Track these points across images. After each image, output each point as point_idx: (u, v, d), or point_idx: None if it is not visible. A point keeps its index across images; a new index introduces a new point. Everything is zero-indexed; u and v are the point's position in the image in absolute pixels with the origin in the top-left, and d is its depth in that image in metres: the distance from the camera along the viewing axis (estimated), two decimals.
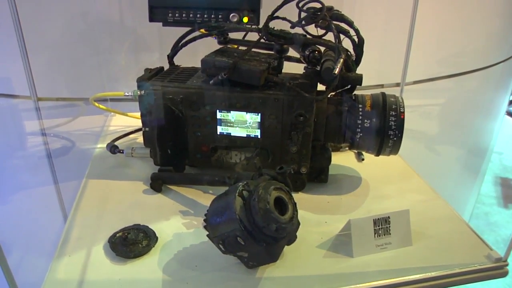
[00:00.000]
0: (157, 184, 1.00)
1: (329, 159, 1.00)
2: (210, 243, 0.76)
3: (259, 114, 0.95)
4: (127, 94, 1.04)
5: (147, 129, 1.02)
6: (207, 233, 0.75)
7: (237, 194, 0.72)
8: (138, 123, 1.06)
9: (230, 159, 1.02)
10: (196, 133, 1.00)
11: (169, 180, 1.02)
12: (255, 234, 0.71)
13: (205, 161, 1.02)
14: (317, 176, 1.02)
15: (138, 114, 1.02)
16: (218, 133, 0.99)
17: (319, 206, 0.96)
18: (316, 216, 0.92)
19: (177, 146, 1.01)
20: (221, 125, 0.98)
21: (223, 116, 0.97)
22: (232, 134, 0.99)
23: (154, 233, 0.85)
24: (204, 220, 0.75)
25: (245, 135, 0.98)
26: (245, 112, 0.96)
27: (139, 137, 1.22)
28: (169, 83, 0.98)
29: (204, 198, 0.98)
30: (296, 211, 0.76)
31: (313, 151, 0.98)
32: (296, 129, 0.95)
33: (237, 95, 0.95)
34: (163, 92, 0.97)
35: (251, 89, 0.94)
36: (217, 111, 0.97)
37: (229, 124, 0.98)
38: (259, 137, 0.97)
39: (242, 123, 0.97)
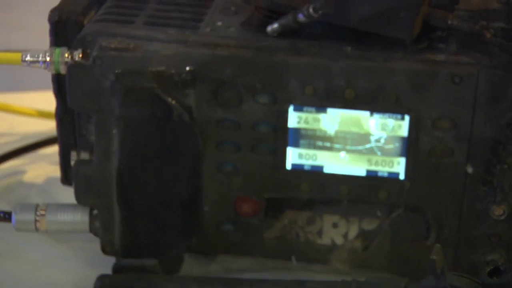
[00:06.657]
0: None
1: None
2: None
3: (408, 115, 0.39)
4: (29, 58, 0.44)
5: (84, 156, 0.45)
6: None
7: None
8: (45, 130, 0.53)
9: (316, 237, 0.44)
10: (226, 165, 0.43)
11: None
12: None
13: (246, 240, 0.45)
14: None
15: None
16: (289, 166, 0.41)
17: None
18: None
19: (170, 205, 0.45)
20: (297, 146, 0.42)
21: (305, 122, 0.41)
22: (325, 171, 0.42)
23: None
24: None
25: (364, 174, 0.41)
26: (369, 112, 0.39)
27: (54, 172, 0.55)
28: (149, 30, 0.43)
29: None
30: None
31: None
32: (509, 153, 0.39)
33: (349, 64, 0.39)
34: (139, 58, 0.40)
35: (385, 49, 0.39)
36: (291, 107, 0.40)
37: (319, 143, 0.41)
38: (401, 177, 0.40)
39: (356, 141, 0.41)
